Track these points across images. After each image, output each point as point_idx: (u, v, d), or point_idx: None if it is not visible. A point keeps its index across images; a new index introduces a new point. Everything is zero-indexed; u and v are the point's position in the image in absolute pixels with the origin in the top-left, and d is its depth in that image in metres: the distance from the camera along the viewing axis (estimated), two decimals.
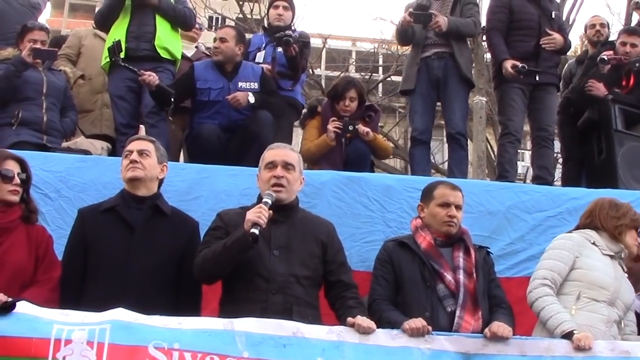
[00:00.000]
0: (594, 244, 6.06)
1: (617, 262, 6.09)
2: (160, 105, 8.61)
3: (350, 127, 8.59)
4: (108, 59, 8.73)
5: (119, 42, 8.48)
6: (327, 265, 5.77)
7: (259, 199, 5.67)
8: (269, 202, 5.52)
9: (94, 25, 9.89)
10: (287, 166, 5.80)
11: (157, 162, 6.01)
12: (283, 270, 5.55)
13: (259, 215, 5.37)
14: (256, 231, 5.31)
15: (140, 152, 5.92)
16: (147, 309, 5.06)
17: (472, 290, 5.81)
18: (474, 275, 5.86)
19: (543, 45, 9.37)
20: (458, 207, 6.02)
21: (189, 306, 5.63)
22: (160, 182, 6.08)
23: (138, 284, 5.54)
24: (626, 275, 6.14)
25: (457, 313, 5.69)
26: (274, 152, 5.93)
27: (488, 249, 6.28)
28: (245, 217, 5.44)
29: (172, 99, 8.51)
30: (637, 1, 11.08)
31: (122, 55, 8.51)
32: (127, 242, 5.69)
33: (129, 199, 5.88)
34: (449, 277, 5.81)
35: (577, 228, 6.32)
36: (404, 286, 5.85)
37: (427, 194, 6.16)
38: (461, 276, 5.82)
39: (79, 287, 5.64)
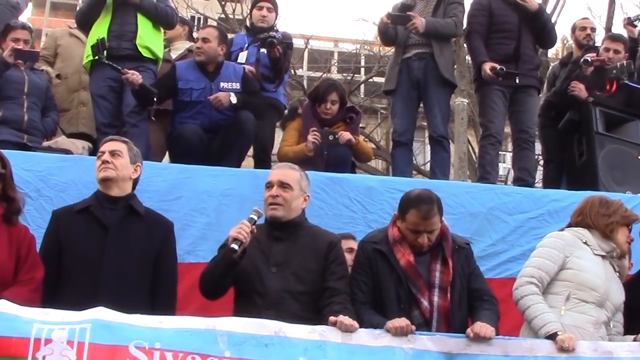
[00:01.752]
0: (585, 243, 6.02)
1: (608, 262, 6.05)
2: (142, 104, 8.58)
3: (330, 138, 8.54)
4: (89, 58, 8.70)
5: (103, 39, 8.44)
6: (323, 275, 5.80)
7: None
8: (255, 218, 5.69)
9: (71, 25, 9.85)
10: (283, 185, 5.90)
11: (129, 162, 6.00)
12: (277, 287, 5.65)
13: (239, 231, 5.55)
14: (235, 246, 5.49)
15: (112, 153, 5.93)
16: (122, 308, 5.02)
17: (445, 310, 5.75)
18: (449, 292, 5.78)
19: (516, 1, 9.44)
20: (431, 232, 5.77)
21: (164, 306, 5.62)
22: (135, 182, 6.07)
23: (112, 284, 5.55)
24: (617, 274, 6.13)
25: None
26: (273, 172, 6.11)
27: (469, 245, 6.12)
28: (254, 235, 5.65)
29: (155, 99, 8.49)
30: (629, 17, 11.12)
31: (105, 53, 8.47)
32: (101, 242, 5.69)
33: (103, 199, 5.88)
34: (425, 303, 5.71)
35: (569, 226, 6.27)
36: (380, 301, 5.77)
37: (401, 211, 5.87)
38: (436, 297, 5.74)
39: (54, 288, 5.62)
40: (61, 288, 5.62)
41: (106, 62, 8.44)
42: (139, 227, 5.85)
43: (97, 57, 8.48)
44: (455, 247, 5.94)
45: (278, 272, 5.70)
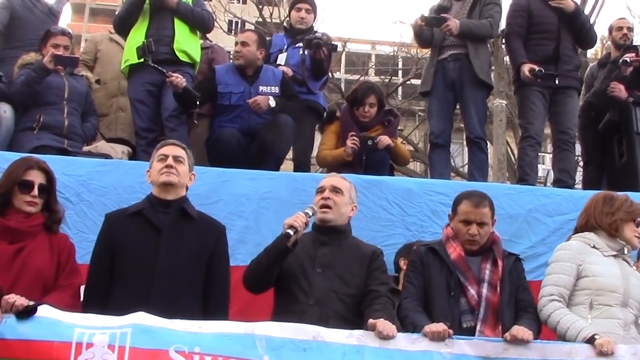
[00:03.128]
0: (594, 247, 6.01)
1: (621, 259, 6.03)
2: (185, 107, 8.64)
3: (369, 143, 8.54)
4: (128, 62, 8.78)
5: (150, 42, 8.50)
6: (366, 280, 5.85)
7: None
8: (309, 212, 5.77)
9: (111, 30, 9.93)
10: (334, 190, 6.02)
11: (188, 170, 6.06)
12: (324, 286, 5.72)
13: (295, 219, 5.61)
14: (291, 232, 5.54)
15: (176, 158, 5.96)
16: (175, 311, 5.11)
17: (495, 304, 5.85)
18: (499, 288, 5.90)
19: (552, 4, 9.37)
20: (482, 224, 6.00)
21: (217, 310, 5.66)
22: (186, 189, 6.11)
23: (166, 286, 5.58)
24: (634, 268, 6.10)
25: (478, 327, 5.74)
26: (325, 180, 6.21)
27: (518, 256, 6.29)
28: (302, 239, 5.73)
29: (198, 102, 8.52)
30: None
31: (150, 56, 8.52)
32: (154, 244, 5.70)
33: (156, 202, 5.91)
34: (472, 291, 5.85)
35: (576, 230, 6.28)
36: (430, 293, 5.89)
37: (454, 206, 6.18)
38: (485, 290, 5.87)
39: (106, 291, 5.65)
40: (114, 290, 5.65)
41: (152, 64, 8.49)
42: (192, 230, 5.87)
43: (142, 60, 8.53)
44: (505, 254, 6.12)
45: (323, 273, 5.77)
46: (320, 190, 6.05)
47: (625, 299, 5.83)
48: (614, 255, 6.01)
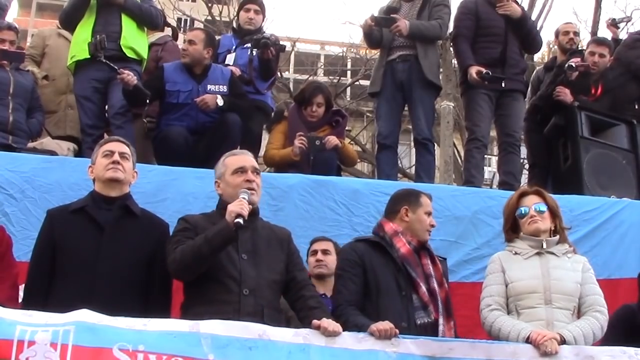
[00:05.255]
0: (516, 253, 6.08)
1: (545, 254, 6.04)
2: (134, 105, 8.59)
3: (317, 143, 8.51)
4: (75, 59, 8.68)
5: (103, 38, 8.39)
6: (287, 266, 5.80)
7: (220, 206, 5.74)
8: (246, 197, 5.56)
9: (59, 26, 9.82)
10: (255, 171, 5.84)
11: (132, 167, 6.01)
12: (253, 274, 5.56)
13: (241, 206, 5.43)
14: (241, 221, 5.36)
15: (122, 155, 5.92)
16: (117, 309, 5.04)
17: (444, 299, 5.90)
18: (444, 283, 5.97)
19: (499, 11, 9.44)
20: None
21: (159, 307, 5.60)
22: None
23: (107, 284, 5.51)
24: (568, 257, 6.08)
25: (441, 321, 5.77)
26: (241, 158, 5.95)
27: (444, 258, 6.39)
28: (209, 221, 5.59)
29: (147, 100, 8.47)
30: (613, 18, 11.19)
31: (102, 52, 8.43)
32: (96, 242, 5.65)
33: (99, 199, 5.85)
34: (423, 288, 5.85)
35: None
36: (380, 293, 5.82)
37: (413, 199, 6.16)
38: (435, 284, 5.89)
39: (47, 288, 5.59)
40: (55, 288, 5.58)
41: (104, 60, 8.38)
42: (135, 228, 5.83)
43: (91, 56, 8.42)
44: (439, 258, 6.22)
45: (249, 260, 5.61)
46: (242, 170, 5.79)
47: (547, 296, 5.87)
48: (538, 254, 6.05)
